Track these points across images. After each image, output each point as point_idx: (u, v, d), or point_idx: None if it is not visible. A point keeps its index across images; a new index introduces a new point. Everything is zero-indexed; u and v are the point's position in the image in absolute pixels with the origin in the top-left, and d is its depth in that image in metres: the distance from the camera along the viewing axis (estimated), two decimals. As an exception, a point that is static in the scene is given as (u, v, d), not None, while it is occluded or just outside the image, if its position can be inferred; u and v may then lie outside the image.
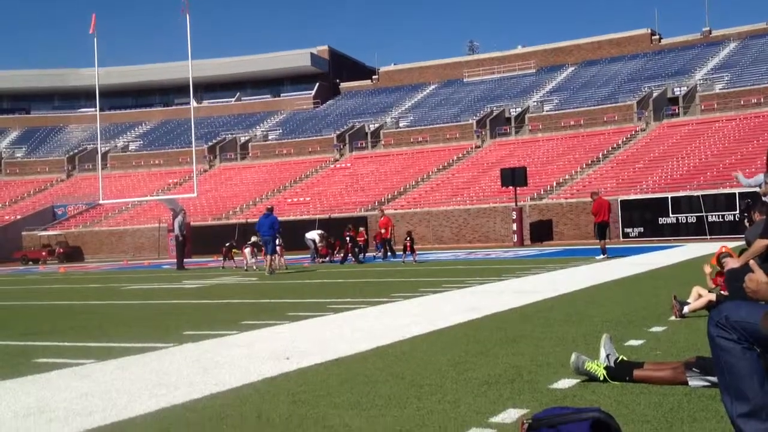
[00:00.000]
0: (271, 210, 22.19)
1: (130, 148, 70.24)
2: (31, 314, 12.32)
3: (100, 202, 43.11)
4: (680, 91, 53.84)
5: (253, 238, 24.55)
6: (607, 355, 4.89)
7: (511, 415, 4.13)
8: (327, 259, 27.29)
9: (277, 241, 21.20)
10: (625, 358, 4.95)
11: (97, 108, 37.94)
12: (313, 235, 27.89)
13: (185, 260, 27.12)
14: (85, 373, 6.12)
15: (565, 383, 4.84)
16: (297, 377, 5.54)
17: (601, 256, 20.13)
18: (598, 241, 20.93)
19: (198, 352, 6.96)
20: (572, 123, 53.64)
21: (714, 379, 4.48)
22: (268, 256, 20.80)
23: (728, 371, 2.98)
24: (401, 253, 24.58)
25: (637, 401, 4.28)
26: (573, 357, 4.90)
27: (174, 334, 8.23)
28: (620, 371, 4.76)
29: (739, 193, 30.78)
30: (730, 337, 2.95)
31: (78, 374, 6.08)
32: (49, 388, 5.58)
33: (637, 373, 4.74)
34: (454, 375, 5.30)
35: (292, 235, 31.84)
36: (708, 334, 3.09)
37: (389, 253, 26.07)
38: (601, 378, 4.74)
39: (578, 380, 4.86)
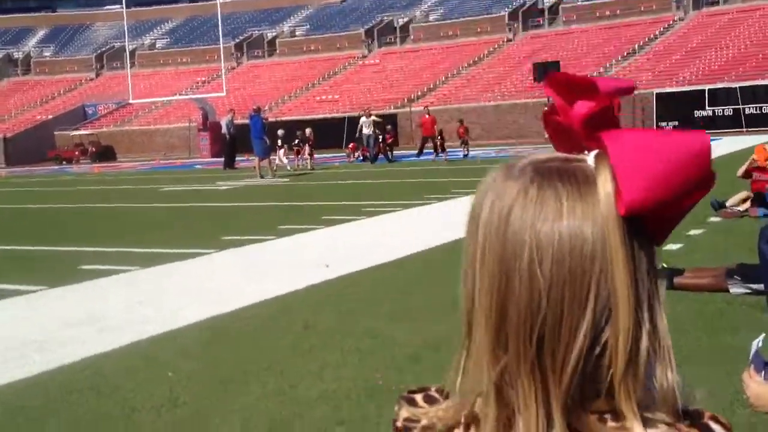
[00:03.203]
0: (257, 111, 21.57)
1: (156, 45, 69.66)
2: (72, 217, 12.56)
3: (130, 101, 43.20)
4: (722, -23, 51.73)
5: (280, 132, 24.44)
6: (648, 264, 4.90)
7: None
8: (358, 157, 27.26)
9: (266, 143, 20.30)
10: (665, 265, 4.95)
11: (124, 5, 37.43)
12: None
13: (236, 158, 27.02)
14: (133, 280, 6.29)
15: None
16: (339, 285, 5.64)
17: None
18: None
19: (239, 259, 7.10)
20: (608, 13, 52.02)
21: (756, 286, 4.49)
22: (256, 159, 20.19)
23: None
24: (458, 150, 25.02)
25: (676, 309, 4.29)
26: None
27: (214, 239, 8.34)
28: (662, 277, 4.77)
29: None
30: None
31: (124, 282, 6.25)
32: (98, 296, 5.75)
33: (677, 280, 4.75)
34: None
35: (321, 134, 31.60)
36: (758, 250, 3.08)
37: (440, 151, 23.90)
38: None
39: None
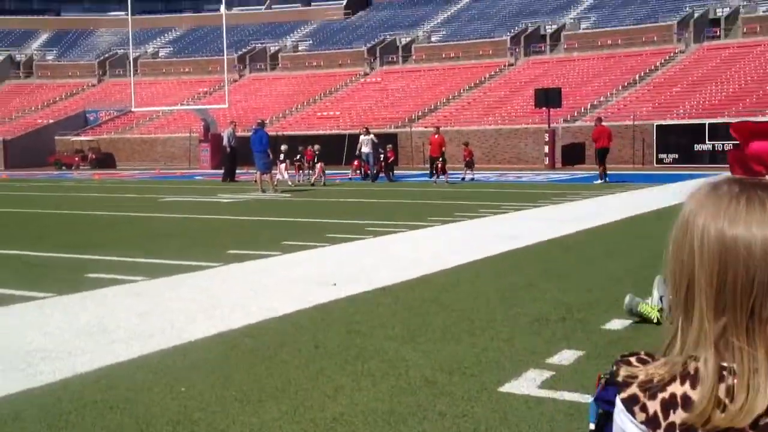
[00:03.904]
0: (261, 125, 21.44)
1: (160, 54, 69.82)
2: (76, 224, 12.53)
3: (132, 109, 43.22)
4: (722, 12, 52.17)
5: (283, 147, 24.49)
6: (661, 297, 4.91)
7: (567, 356, 4.19)
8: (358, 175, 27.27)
9: (269, 158, 20.29)
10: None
11: (129, 12, 37.54)
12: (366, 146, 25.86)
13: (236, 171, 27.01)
14: (139, 291, 6.27)
15: (617, 324, 4.88)
16: (348, 305, 5.63)
17: (599, 181, 21.23)
18: (597, 166, 22.40)
19: (245, 274, 7.08)
20: (609, 42, 52.37)
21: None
22: (258, 174, 20.07)
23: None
24: (460, 173, 25.11)
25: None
26: (627, 298, 4.92)
27: (218, 253, 8.33)
28: (673, 315, 4.78)
29: (778, 122, 30.14)
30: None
31: (132, 292, 6.22)
32: (106, 305, 5.72)
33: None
34: (503, 309, 5.36)
35: (323, 149, 31.59)
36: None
37: (440, 173, 23.15)
38: (655, 320, 4.76)
39: (630, 321, 4.90)
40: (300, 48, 66.59)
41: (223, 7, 36.91)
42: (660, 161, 35.19)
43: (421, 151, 41.39)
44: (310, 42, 67.35)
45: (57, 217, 13.84)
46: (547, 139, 36.20)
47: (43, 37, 75.21)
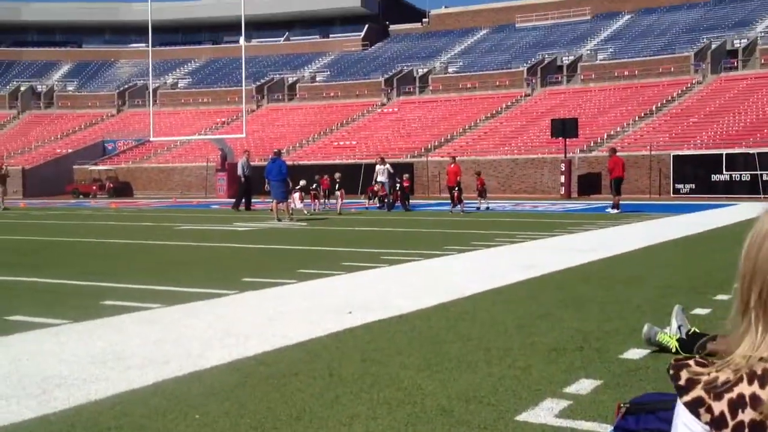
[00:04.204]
0: (278, 154, 21.48)
1: (179, 85, 70.62)
2: (91, 252, 12.60)
3: (151, 139, 43.63)
4: (740, 43, 52.15)
5: (302, 183, 24.66)
6: (679, 326, 4.85)
7: (584, 385, 4.13)
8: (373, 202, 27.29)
9: (287, 187, 20.43)
10: (697, 330, 4.89)
11: (150, 44, 38.09)
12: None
13: (252, 200, 27.16)
14: (154, 319, 6.27)
15: (636, 353, 4.81)
16: (363, 333, 5.59)
17: (613, 211, 21.51)
18: (612, 195, 22.63)
19: (261, 301, 7.07)
20: (626, 73, 52.44)
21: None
22: (274, 202, 20.07)
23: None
24: (476, 202, 25.15)
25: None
26: (645, 328, 4.86)
27: (234, 280, 8.35)
28: (693, 344, 4.71)
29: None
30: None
31: (147, 319, 6.22)
32: (122, 332, 5.72)
33: (710, 346, 4.67)
34: (520, 338, 5.31)
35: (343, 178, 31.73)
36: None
37: (457, 202, 23.18)
38: (674, 350, 4.70)
39: (648, 350, 4.83)
40: (318, 79, 67.18)
41: (242, 39, 37.35)
42: (677, 191, 35.02)
43: (437, 180, 41.46)
44: (328, 73, 67.93)
45: (73, 245, 13.92)
46: (563, 169, 36.16)
47: (65, 68, 76.33)
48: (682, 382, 0.91)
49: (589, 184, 37.35)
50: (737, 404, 0.85)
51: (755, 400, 0.85)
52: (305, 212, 23.27)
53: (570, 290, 7.44)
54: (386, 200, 25.87)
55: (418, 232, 16.28)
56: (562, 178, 36.07)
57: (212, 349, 5.15)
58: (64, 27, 77.87)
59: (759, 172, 32.56)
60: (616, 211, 21.55)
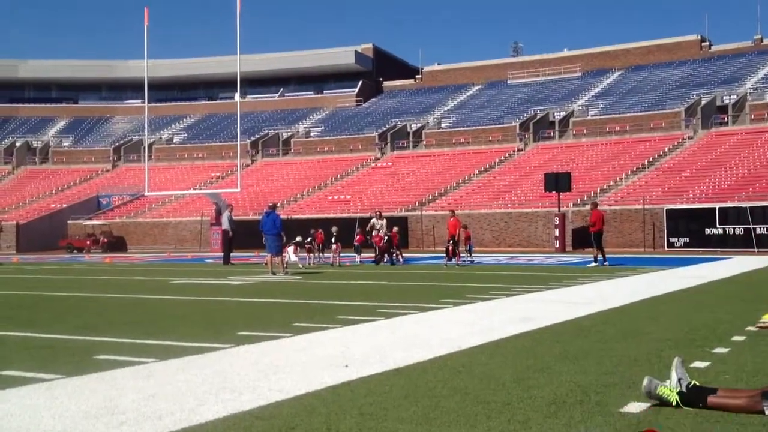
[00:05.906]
0: (273, 207, 21.53)
1: (174, 140, 71.08)
2: (85, 307, 12.51)
3: (146, 193, 43.70)
4: (730, 99, 52.94)
5: (298, 238, 24.68)
6: (679, 380, 4.81)
7: (586, 439, 4.08)
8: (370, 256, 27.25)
9: (282, 240, 20.52)
10: (697, 383, 4.86)
11: (146, 100, 38.46)
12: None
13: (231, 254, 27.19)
14: (148, 373, 6.19)
15: (636, 407, 4.77)
16: (360, 387, 5.53)
17: (593, 264, 21.74)
18: (594, 249, 22.76)
19: (256, 356, 7.00)
20: (618, 128, 53.04)
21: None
22: (269, 256, 20.14)
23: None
24: (464, 255, 24.90)
25: (713, 431, 4.20)
26: (645, 381, 4.82)
27: (229, 334, 8.29)
28: (693, 397, 4.67)
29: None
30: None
31: (141, 374, 6.15)
32: (115, 387, 5.64)
33: (711, 399, 4.65)
34: (519, 392, 5.26)
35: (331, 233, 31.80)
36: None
37: (452, 256, 23.26)
38: (674, 403, 4.66)
39: (648, 404, 4.79)
40: (312, 134, 67.72)
41: (237, 95, 37.76)
42: (671, 245, 35.10)
43: (431, 234, 41.50)
44: (322, 128, 68.51)
45: (66, 300, 13.83)
46: (557, 223, 36.27)
47: (60, 124, 76.86)
48: None
49: (583, 238, 37.38)
50: None
51: None
52: (300, 266, 23.22)
53: (567, 343, 7.39)
54: (383, 253, 25.78)
55: (413, 285, 16.24)
56: (557, 232, 36.15)
57: (207, 403, 5.08)
58: (61, 84, 78.67)
59: (752, 226, 32.72)
60: (595, 264, 21.79)
